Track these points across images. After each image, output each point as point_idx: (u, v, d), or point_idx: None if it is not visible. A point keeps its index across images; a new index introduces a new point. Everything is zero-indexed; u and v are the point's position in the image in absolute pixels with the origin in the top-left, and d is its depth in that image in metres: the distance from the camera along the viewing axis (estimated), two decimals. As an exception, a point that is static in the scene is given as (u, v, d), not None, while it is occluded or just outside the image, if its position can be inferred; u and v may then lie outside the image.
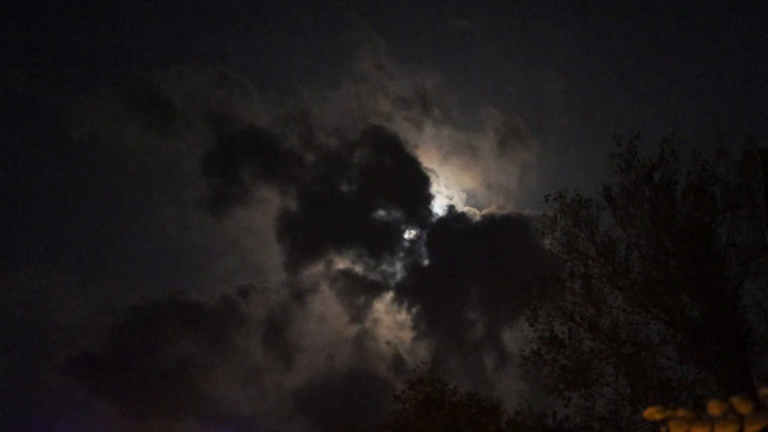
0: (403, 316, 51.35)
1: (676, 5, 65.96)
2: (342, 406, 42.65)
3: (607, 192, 21.45)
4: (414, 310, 50.96)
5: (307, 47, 71.04)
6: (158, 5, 66.10)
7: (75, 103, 62.70)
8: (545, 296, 21.57)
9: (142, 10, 64.67)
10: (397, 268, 53.84)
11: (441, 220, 55.51)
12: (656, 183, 20.93)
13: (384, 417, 27.51)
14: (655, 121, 59.53)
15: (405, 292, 51.87)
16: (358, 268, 53.09)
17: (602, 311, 21.05)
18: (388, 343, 49.60)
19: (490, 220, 54.43)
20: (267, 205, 57.82)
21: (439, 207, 58.56)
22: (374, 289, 52.51)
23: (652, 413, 2.19)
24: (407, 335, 50.53)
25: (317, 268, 53.31)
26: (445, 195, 58.75)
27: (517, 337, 23.66)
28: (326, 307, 52.74)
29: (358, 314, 51.69)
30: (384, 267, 53.23)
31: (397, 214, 55.47)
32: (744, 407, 2.18)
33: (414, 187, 55.87)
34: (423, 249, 54.71)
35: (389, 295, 52.28)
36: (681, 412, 2.17)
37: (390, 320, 51.88)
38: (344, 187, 56.42)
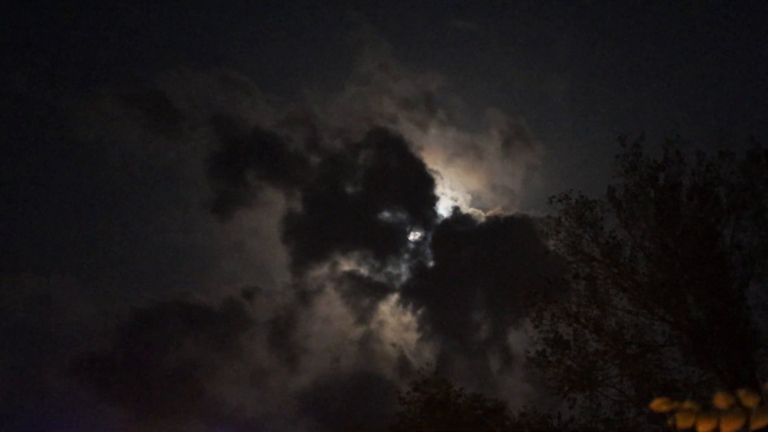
0: (408, 318, 51.35)
1: (680, 6, 65.87)
2: (347, 408, 42.65)
3: (612, 193, 21.46)
4: (419, 312, 50.94)
5: (311, 49, 71.06)
6: (162, 7, 66.25)
7: (78, 106, 62.77)
8: (550, 297, 21.59)
9: (145, 12, 64.82)
10: (402, 270, 53.83)
11: (446, 221, 55.45)
12: (661, 184, 20.94)
13: (389, 419, 27.52)
14: (659, 123, 59.54)
15: (410, 294, 51.85)
16: (363, 270, 53.08)
17: (607, 312, 21.07)
18: (393, 344, 49.56)
19: (494, 222, 54.36)
20: (272, 207, 57.99)
21: (443, 208, 58.41)
22: (379, 290, 52.50)
23: (659, 405, 2.23)
24: (412, 337, 50.52)
25: (322, 270, 53.31)
26: (450, 196, 58.72)
27: (522, 338, 23.66)
28: (331, 308, 52.74)
29: (363, 316, 51.68)
30: (389, 269, 53.20)
31: (401, 215, 55.49)
32: (750, 400, 2.22)
33: (419, 189, 55.87)
34: (428, 250, 54.70)
35: (394, 297, 52.26)
36: (687, 405, 2.20)
37: (395, 322, 51.87)
38: (349, 189, 56.49)
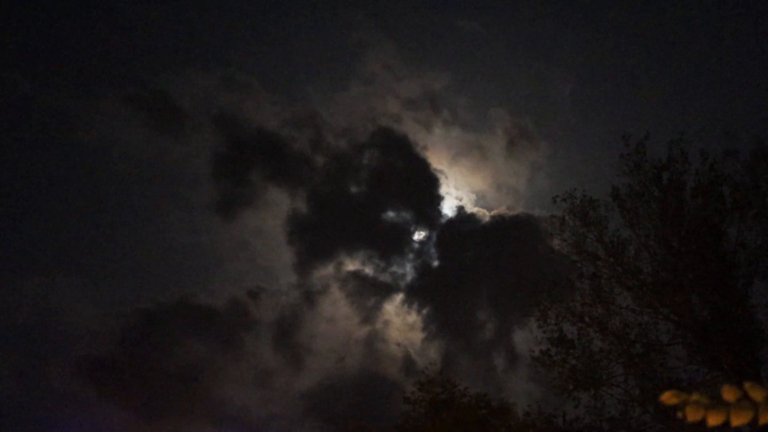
0: (413, 318, 51.42)
1: (685, 6, 65.80)
2: (352, 408, 42.70)
3: (616, 192, 21.46)
4: (424, 312, 51.01)
5: (315, 49, 71.18)
6: (166, 8, 66.39)
7: (83, 108, 63.04)
8: (554, 297, 21.61)
9: (149, 14, 64.97)
10: (407, 270, 53.95)
11: (450, 221, 55.59)
12: (665, 183, 20.94)
13: (394, 418, 27.58)
14: (663, 122, 59.49)
15: (415, 294, 51.94)
16: (368, 270, 53.21)
17: (611, 312, 21.07)
18: (398, 344, 49.67)
19: (499, 221, 54.45)
20: (276, 207, 58.11)
21: (448, 208, 58.62)
22: (384, 290, 52.61)
23: (668, 398, 2.26)
24: (417, 336, 50.60)
25: (327, 270, 53.45)
26: (455, 196, 58.88)
27: (527, 337, 23.68)
28: (336, 308, 52.84)
29: (369, 316, 51.78)
30: (394, 268, 53.32)
31: (406, 215, 55.58)
32: (757, 394, 2.25)
33: (423, 189, 55.95)
34: (432, 250, 54.81)
35: (399, 297, 52.37)
36: (695, 397, 2.23)
37: (400, 321, 51.93)
38: (353, 189, 56.61)
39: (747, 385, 2.27)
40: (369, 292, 52.50)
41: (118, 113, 59.81)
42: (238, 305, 52.46)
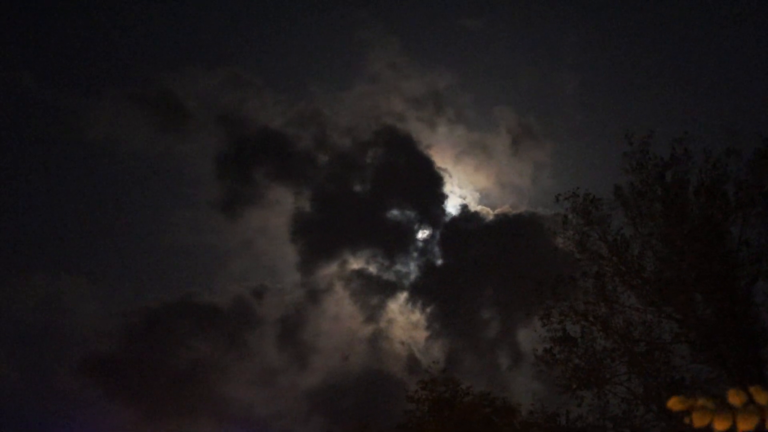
0: (417, 316, 51.37)
1: (688, 4, 65.73)
2: (356, 406, 42.72)
3: (619, 191, 21.46)
4: (428, 310, 50.95)
5: (319, 48, 71.34)
6: (170, 7, 66.46)
7: (87, 106, 63.20)
8: (558, 295, 21.62)
9: (153, 12, 65.04)
10: (411, 268, 53.86)
11: (454, 219, 55.42)
12: (668, 182, 20.94)
13: (398, 417, 27.62)
14: (667, 120, 59.41)
15: (419, 292, 51.86)
16: (372, 268, 53.10)
17: (615, 310, 21.08)
18: (402, 343, 49.65)
19: (503, 220, 54.32)
20: (280, 206, 58.05)
21: (452, 206, 58.41)
22: (388, 289, 52.50)
23: (675, 404, 2.28)
24: (421, 335, 50.55)
25: (331, 269, 53.39)
26: (459, 194, 58.86)
27: (530, 336, 23.69)
28: (340, 307, 52.82)
29: (372, 314, 51.71)
30: (398, 267, 53.23)
31: (410, 213, 55.46)
32: (763, 398, 2.27)
33: (427, 187, 55.83)
34: (436, 249, 54.69)
35: (403, 295, 52.29)
36: (702, 402, 2.25)
37: (404, 320, 51.89)
38: (357, 188, 56.51)
39: (753, 389, 2.28)
40: (373, 291, 52.45)
41: (122, 112, 59.99)
42: (242, 304, 52.52)
